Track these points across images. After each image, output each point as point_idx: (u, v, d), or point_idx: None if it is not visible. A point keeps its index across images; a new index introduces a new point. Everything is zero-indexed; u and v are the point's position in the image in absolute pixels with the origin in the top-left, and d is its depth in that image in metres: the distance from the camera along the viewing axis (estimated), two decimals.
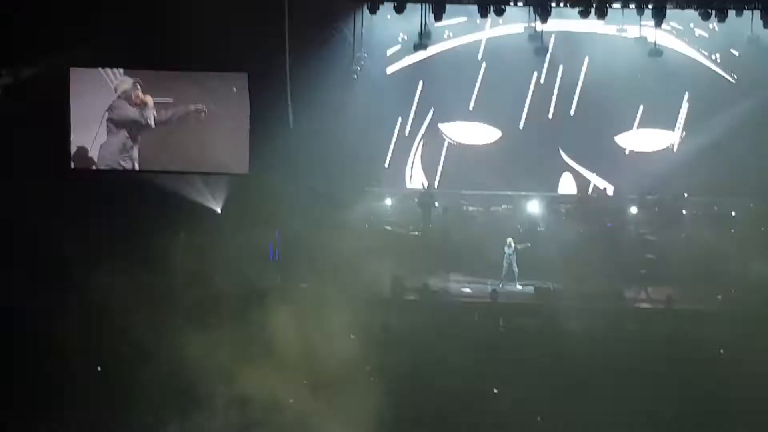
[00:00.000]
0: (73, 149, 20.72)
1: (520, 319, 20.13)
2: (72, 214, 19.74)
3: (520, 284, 21.61)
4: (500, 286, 21.36)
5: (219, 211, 21.49)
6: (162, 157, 20.85)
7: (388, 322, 19.13)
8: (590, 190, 24.21)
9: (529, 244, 21.88)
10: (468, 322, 20.07)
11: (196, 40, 19.61)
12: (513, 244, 21.72)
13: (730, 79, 23.97)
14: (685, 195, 23.69)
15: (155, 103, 20.69)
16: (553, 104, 24.24)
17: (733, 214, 23.43)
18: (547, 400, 18.81)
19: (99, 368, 18.65)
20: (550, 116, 24.31)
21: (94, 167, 20.80)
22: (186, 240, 19.65)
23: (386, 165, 24.42)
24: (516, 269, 21.65)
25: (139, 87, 20.58)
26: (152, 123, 20.71)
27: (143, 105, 20.57)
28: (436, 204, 23.54)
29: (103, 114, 20.58)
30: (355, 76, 22.50)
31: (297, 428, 17.83)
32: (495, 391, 19.04)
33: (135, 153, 20.81)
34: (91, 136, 20.59)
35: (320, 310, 18.53)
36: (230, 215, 21.15)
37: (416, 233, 23.07)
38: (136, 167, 20.86)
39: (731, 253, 21.43)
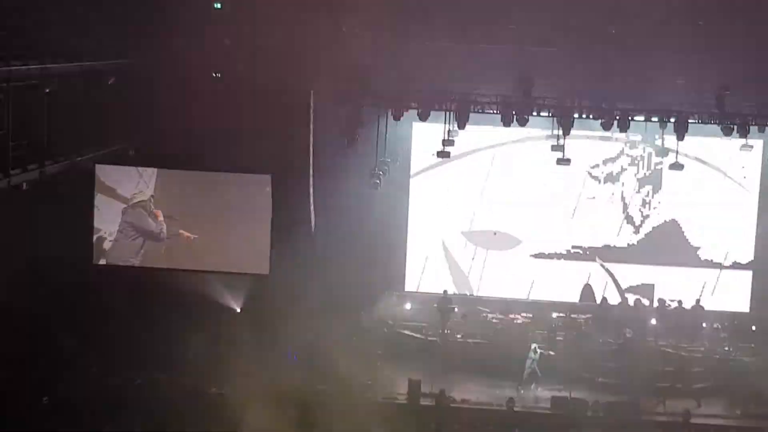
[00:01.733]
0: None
1: (535, 429, 19.90)
2: (92, 309, 19.91)
3: (541, 389, 21.49)
4: (520, 391, 21.29)
5: (239, 310, 21.62)
6: (184, 256, 21.07)
7: (404, 428, 19.00)
8: (604, 299, 24.24)
9: (552, 353, 21.86)
10: (484, 430, 19.90)
11: (223, 143, 20.03)
12: (538, 350, 21.70)
13: (751, 193, 24.16)
14: (704, 307, 23.69)
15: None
16: (574, 212, 24.54)
17: (753, 328, 23.31)
18: None
19: None
20: (571, 223, 24.60)
21: (103, 261, 21.00)
22: (205, 339, 19.75)
23: (406, 269, 24.59)
24: (539, 374, 21.58)
25: (152, 201, 20.94)
26: (165, 235, 21.02)
27: (156, 217, 20.98)
28: (455, 309, 23.58)
29: (121, 214, 20.98)
30: (378, 181, 22.73)
31: None
32: None
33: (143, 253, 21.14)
34: (108, 230, 20.98)
35: (337, 412, 18.44)
36: (250, 315, 21.25)
37: (434, 338, 23.07)
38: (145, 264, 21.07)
39: (751, 368, 21.30)
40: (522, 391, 21.33)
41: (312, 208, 21.63)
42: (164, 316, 20.13)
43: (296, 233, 21.16)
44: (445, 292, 23.72)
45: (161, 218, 20.93)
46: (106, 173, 20.73)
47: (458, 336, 23.25)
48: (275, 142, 20.31)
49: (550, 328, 23.25)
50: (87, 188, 20.58)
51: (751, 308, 24.29)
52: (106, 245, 20.93)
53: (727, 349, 22.59)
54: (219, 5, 20.72)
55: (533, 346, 21.81)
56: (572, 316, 23.68)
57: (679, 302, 23.73)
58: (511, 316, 23.71)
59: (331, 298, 21.16)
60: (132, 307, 20.33)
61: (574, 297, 24.54)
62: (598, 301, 24.28)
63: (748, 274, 24.38)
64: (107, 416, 18.29)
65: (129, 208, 20.91)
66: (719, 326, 23.48)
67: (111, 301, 20.21)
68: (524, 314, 23.85)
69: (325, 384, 19.60)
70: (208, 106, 19.73)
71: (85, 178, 20.30)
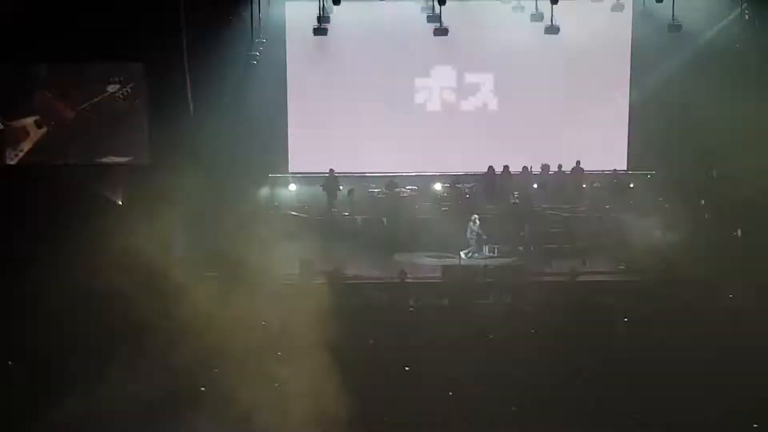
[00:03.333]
0: None
1: (428, 297, 20.21)
2: None
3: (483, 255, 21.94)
4: (470, 255, 21.73)
5: (120, 202, 21.16)
6: (63, 149, 20.45)
7: (299, 308, 19.05)
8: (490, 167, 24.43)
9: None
10: (378, 302, 20.07)
11: (91, 32, 19.25)
12: (478, 221, 21.93)
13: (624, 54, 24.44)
14: (584, 169, 24.15)
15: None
16: (453, 82, 24.57)
17: (632, 185, 23.99)
18: (458, 375, 18.95)
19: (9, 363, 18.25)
20: (449, 94, 24.60)
21: None
22: (87, 233, 19.29)
23: (290, 150, 24.38)
24: (477, 242, 21.91)
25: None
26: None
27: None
28: (341, 187, 23.59)
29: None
30: (255, 62, 22.31)
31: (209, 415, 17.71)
32: (406, 369, 19.12)
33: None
34: None
35: (229, 298, 18.35)
36: (132, 207, 20.81)
37: (322, 218, 23.13)
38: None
39: (631, 224, 21.99)
40: (471, 255, 21.75)
41: (189, 93, 21.10)
42: (42, 212, 19.57)
43: (175, 121, 20.66)
44: (330, 170, 23.67)
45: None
46: None
47: (345, 213, 23.36)
48: (146, 27, 19.63)
49: (435, 198, 23.54)
50: None
51: (628, 166, 24.89)
52: None
53: (607, 207, 23.27)
54: None
55: (474, 216, 22.00)
56: (457, 186, 23.94)
57: (560, 166, 24.20)
58: (397, 190, 23.83)
59: (215, 184, 20.87)
60: (9, 203, 19.71)
61: (458, 169, 24.64)
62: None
63: (624, 133, 24.87)
64: None
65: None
66: (599, 185, 24.11)
67: None
68: (410, 187, 24.03)
69: (216, 270, 19.51)
70: None
71: None
